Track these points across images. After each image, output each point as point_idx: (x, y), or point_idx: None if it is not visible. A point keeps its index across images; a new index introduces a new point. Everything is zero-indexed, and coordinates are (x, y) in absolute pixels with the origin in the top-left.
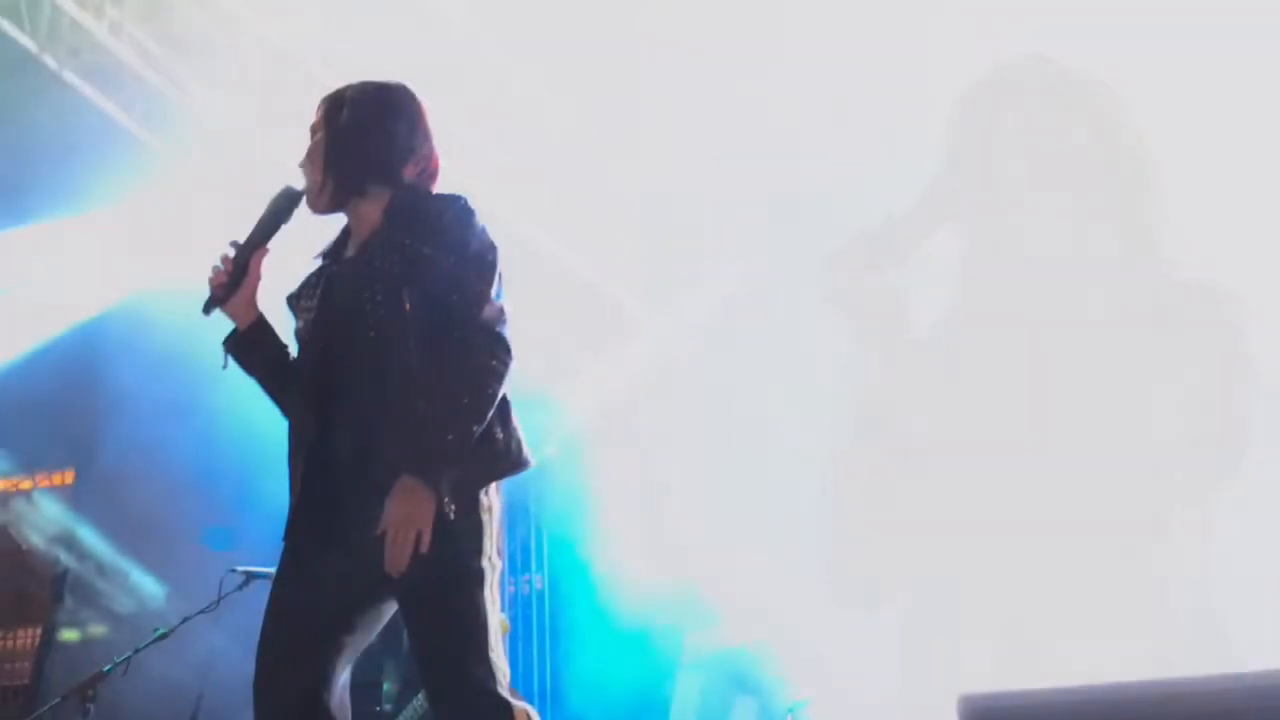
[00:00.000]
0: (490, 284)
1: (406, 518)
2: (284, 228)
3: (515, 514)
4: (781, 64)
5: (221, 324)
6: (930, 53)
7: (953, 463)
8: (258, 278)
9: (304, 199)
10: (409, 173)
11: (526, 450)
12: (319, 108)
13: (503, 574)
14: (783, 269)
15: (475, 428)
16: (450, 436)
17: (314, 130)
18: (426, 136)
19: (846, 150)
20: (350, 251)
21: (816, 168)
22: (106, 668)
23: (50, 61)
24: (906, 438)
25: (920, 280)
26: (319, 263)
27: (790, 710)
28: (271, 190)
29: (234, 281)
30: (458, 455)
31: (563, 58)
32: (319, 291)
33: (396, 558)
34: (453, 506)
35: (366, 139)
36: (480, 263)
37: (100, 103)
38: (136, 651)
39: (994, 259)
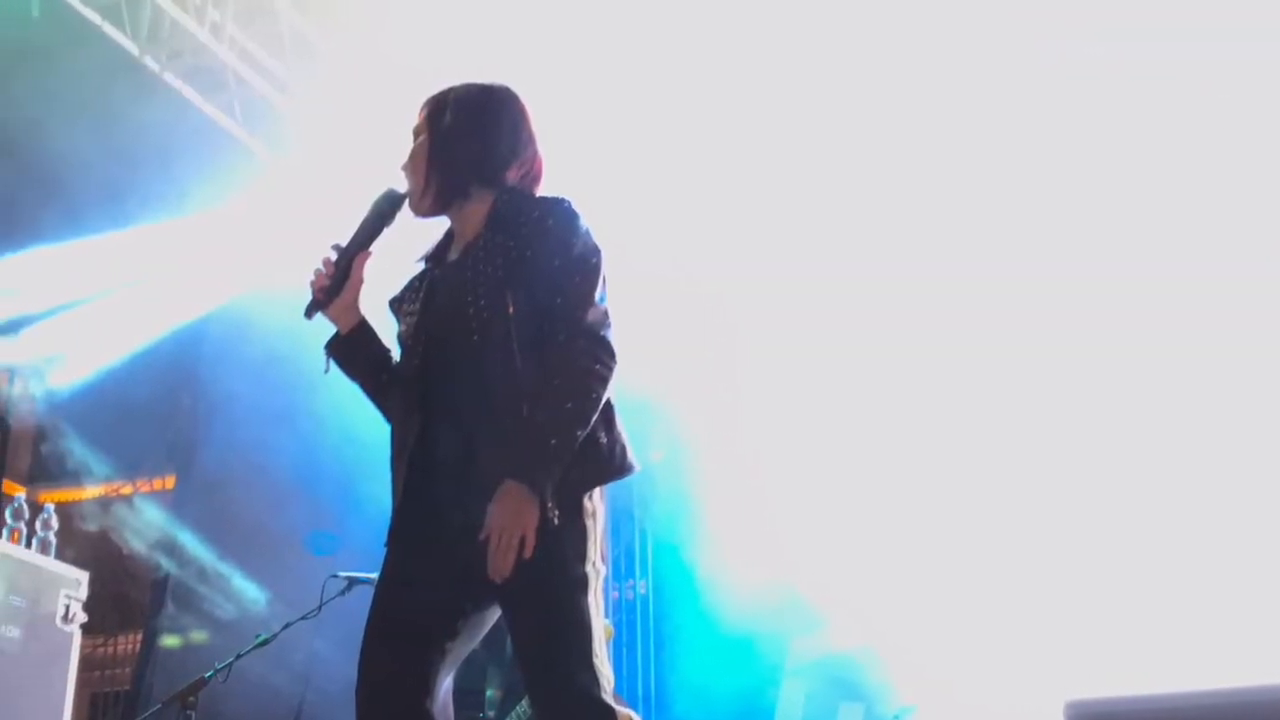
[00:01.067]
0: (594, 287)
1: (510, 523)
2: (386, 230)
3: (619, 519)
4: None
5: (323, 327)
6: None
7: (1058, 469)
8: (360, 281)
9: (406, 202)
10: (512, 175)
11: (631, 455)
12: (421, 110)
13: (606, 579)
14: (884, 267)
15: (579, 432)
16: (554, 441)
17: (416, 133)
18: (530, 139)
19: (930, 144)
20: (453, 255)
21: (904, 164)
22: (208, 674)
23: (151, 64)
24: (1017, 443)
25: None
26: (421, 266)
27: (896, 716)
28: (374, 193)
29: (336, 284)
30: (561, 460)
31: (669, 55)
32: (421, 295)
33: (500, 563)
34: (556, 512)
35: (470, 141)
36: (584, 265)
37: (201, 105)
38: (238, 657)
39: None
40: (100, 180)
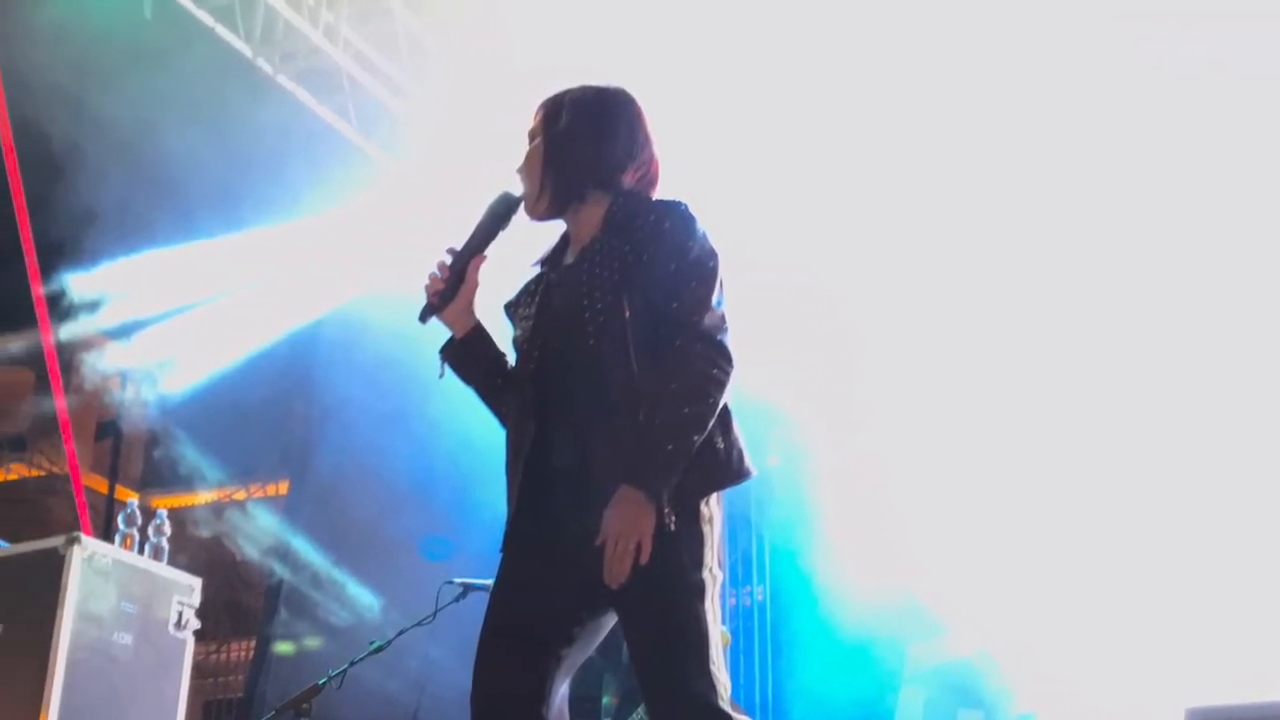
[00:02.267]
0: (711, 291)
1: (626, 528)
2: (501, 234)
3: (736, 525)
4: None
5: (438, 331)
6: None
7: (1179, 475)
8: (475, 285)
9: (522, 205)
10: (629, 178)
11: (748, 460)
12: (537, 112)
13: (723, 586)
14: (1006, 272)
15: (696, 437)
16: (670, 446)
17: (532, 135)
18: (646, 141)
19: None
20: (569, 259)
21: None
22: (322, 681)
23: (265, 66)
24: (1139, 448)
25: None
26: (537, 270)
27: None
28: (489, 196)
29: (451, 289)
30: (678, 466)
31: (791, 57)
32: (537, 299)
33: (616, 569)
34: (673, 517)
35: (586, 144)
36: (701, 269)
37: (315, 108)
38: (352, 664)
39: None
40: (213, 183)
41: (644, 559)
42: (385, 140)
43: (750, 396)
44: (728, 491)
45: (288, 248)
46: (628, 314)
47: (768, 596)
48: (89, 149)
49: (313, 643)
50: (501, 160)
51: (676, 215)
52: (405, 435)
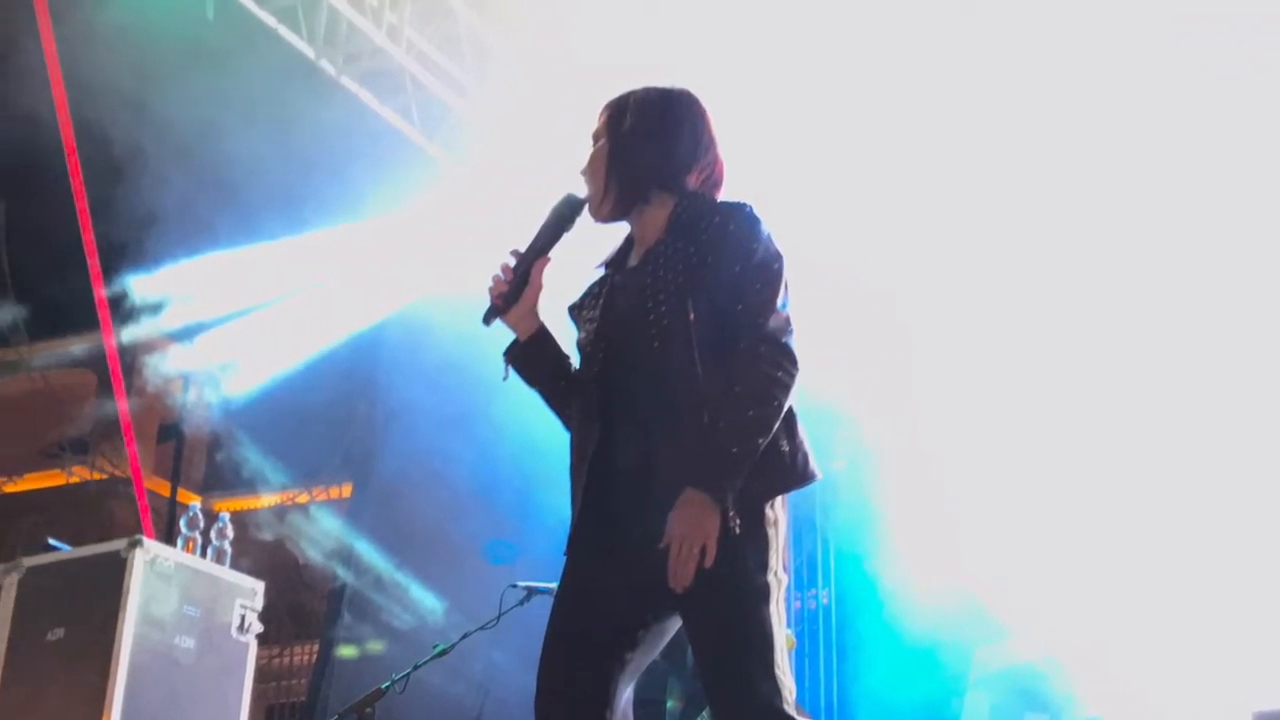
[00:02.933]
0: (776, 293)
1: (691, 531)
2: (566, 236)
3: (801, 528)
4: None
5: (502, 333)
6: None
7: (1244, 478)
8: (539, 288)
9: (586, 207)
10: (693, 180)
11: (813, 463)
12: (601, 114)
13: (788, 589)
14: (1072, 274)
15: (761, 440)
16: (736, 449)
17: (595, 137)
18: (711, 143)
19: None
20: (633, 261)
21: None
22: (385, 685)
23: (328, 67)
24: (1204, 451)
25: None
26: (601, 272)
27: None
28: (553, 198)
29: (515, 291)
30: (743, 468)
31: (854, 59)
32: (601, 301)
33: (680, 572)
34: (738, 520)
35: (650, 146)
36: (766, 271)
37: (378, 109)
38: (416, 668)
39: None
40: (276, 184)
41: (708, 562)
42: (448, 142)
43: (815, 399)
44: (793, 494)
45: (350, 250)
46: (692, 316)
47: (832, 600)
48: (151, 151)
49: (376, 646)
50: (565, 161)
51: (741, 217)
52: (469, 438)
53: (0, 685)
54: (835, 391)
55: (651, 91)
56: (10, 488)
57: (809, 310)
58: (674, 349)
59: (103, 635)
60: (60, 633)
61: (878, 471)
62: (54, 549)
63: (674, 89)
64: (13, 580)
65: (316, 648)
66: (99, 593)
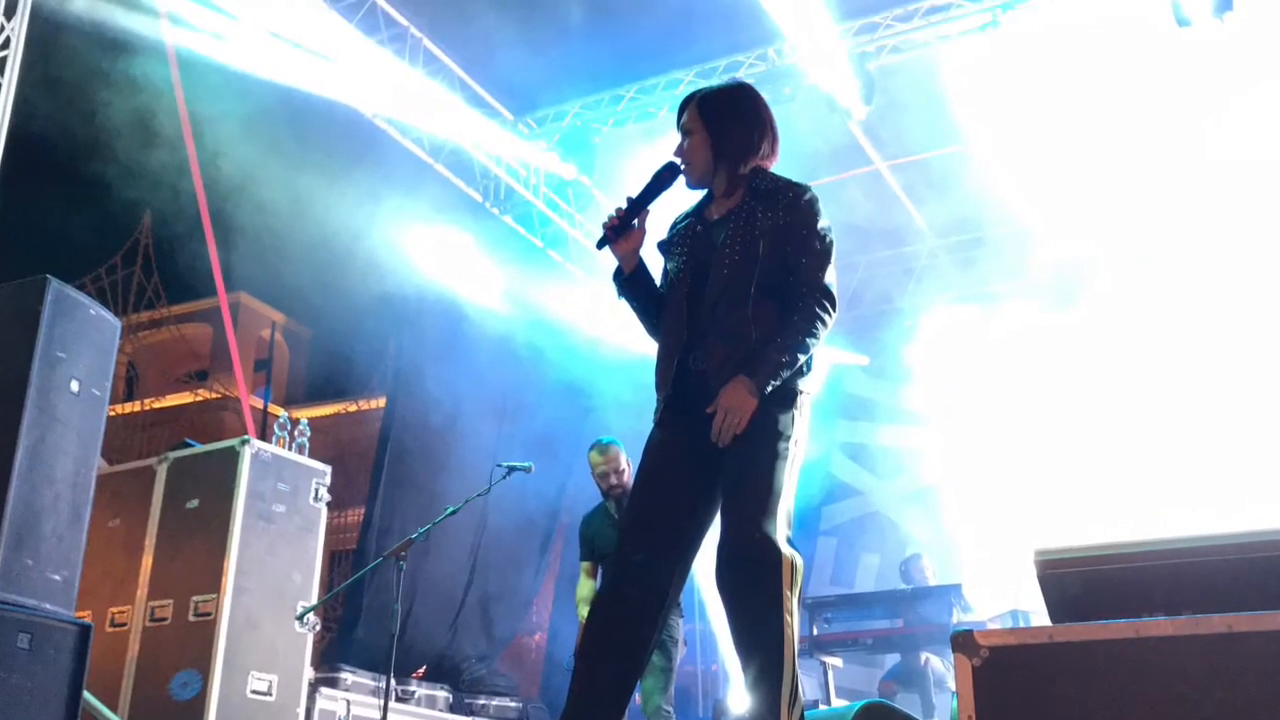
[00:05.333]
0: (830, 256)
1: (735, 403)
2: (664, 194)
3: None
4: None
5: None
6: None
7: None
8: (643, 233)
9: (682, 174)
10: (760, 160)
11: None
12: (684, 109)
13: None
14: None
15: (801, 357)
16: (783, 359)
17: (685, 129)
18: (773, 128)
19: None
20: (714, 215)
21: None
22: (414, 535)
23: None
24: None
25: None
26: (686, 221)
27: None
28: (657, 166)
29: (624, 226)
30: (782, 373)
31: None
32: (689, 240)
33: (722, 429)
34: (773, 402)
35: (745, 131)
36: (825, 238)
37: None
38: (434, 524)
39: None
40: None
41: (740, 428)
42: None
43: None
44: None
45: None
46: (761, 254)
47: None
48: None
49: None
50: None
51: (811, 195)
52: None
53: (156, 539)
54: None
55: (725, 87)
56: (158, 405)
57: None
58: (739, 284)
59: (224, 505)
60: (195, 503)
61: None
62: (189, 445)
63: (743, 84)
64: (163, 467)
65: (363, 511)
66: (221, 476)
